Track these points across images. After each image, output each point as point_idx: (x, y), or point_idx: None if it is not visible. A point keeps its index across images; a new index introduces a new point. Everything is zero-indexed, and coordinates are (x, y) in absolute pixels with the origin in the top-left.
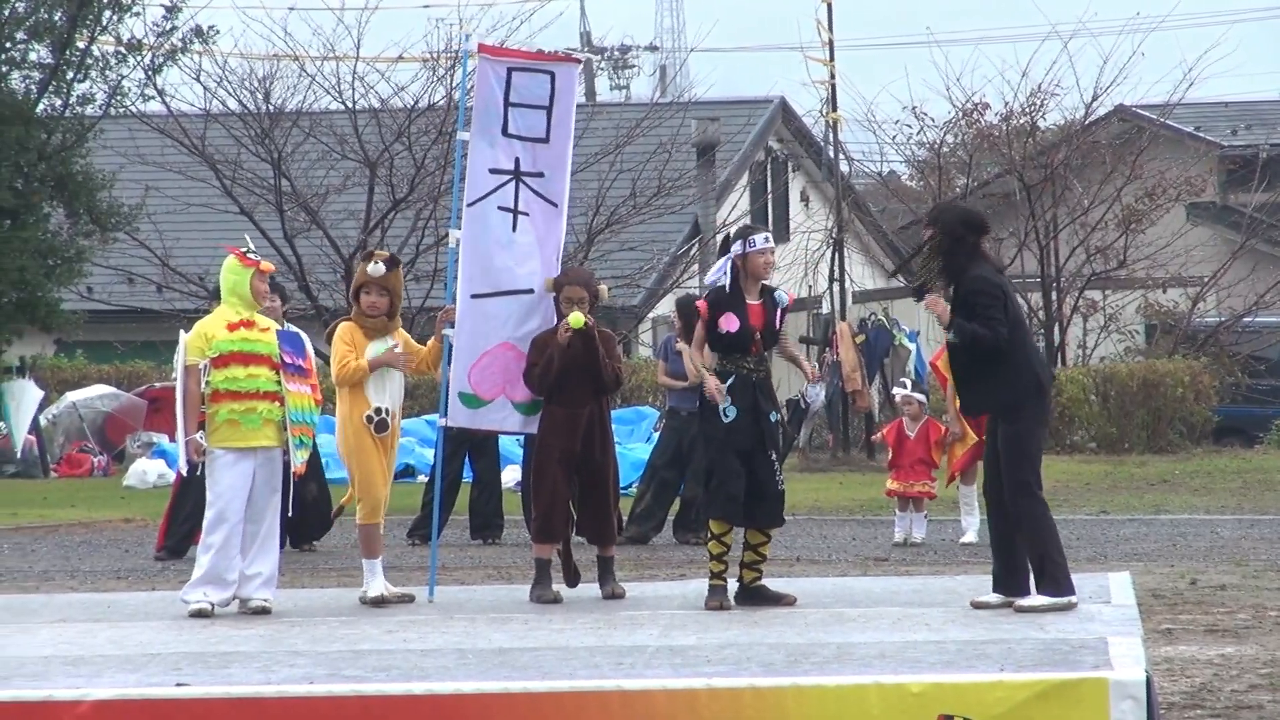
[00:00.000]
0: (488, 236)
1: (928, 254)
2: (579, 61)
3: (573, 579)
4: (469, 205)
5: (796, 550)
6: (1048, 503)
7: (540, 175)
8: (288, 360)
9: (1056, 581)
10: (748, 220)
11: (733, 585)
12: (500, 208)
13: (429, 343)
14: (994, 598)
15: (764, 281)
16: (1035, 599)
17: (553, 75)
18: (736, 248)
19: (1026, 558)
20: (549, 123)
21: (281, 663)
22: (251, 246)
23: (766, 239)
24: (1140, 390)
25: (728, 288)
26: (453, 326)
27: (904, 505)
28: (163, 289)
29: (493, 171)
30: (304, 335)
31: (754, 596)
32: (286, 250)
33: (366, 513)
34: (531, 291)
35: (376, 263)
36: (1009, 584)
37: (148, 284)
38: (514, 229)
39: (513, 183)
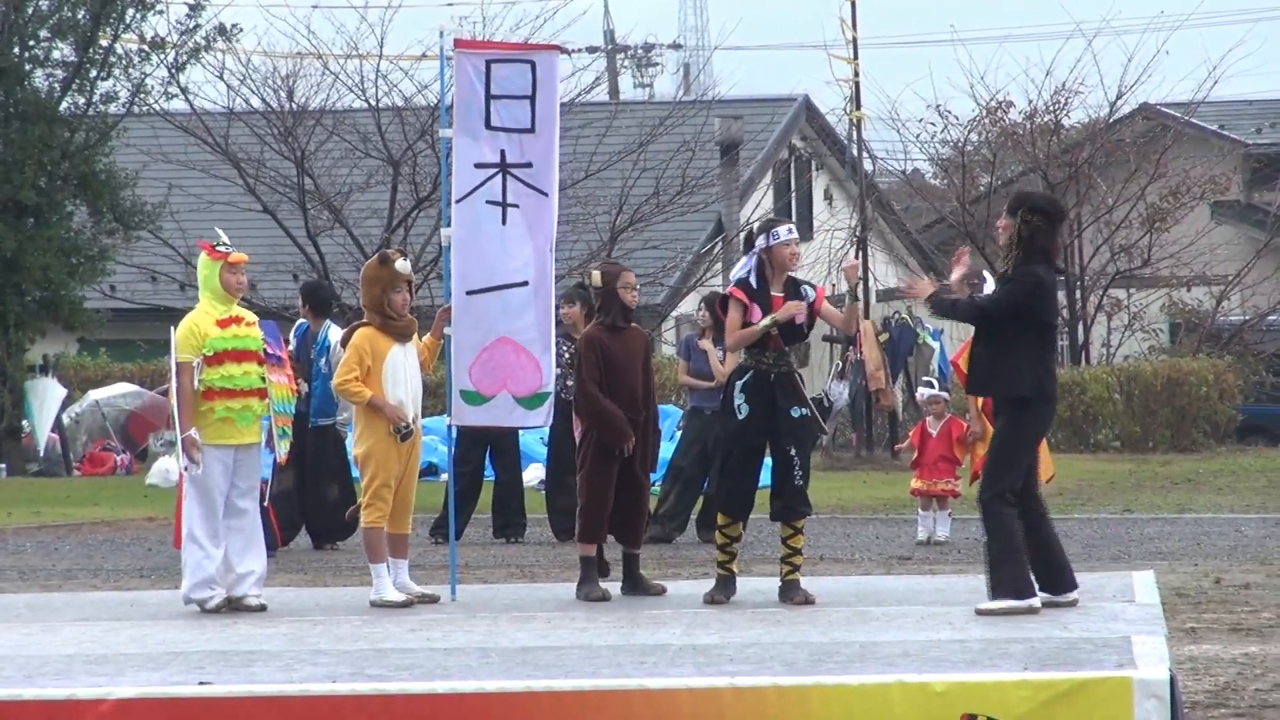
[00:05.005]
0: (478, 231)
1: (1007, 244)
2: (559, 49)
3: (604, 571)
4: (457, 201)
5: (820, 549)
6: (1063, 504)
7: (528, 165)
8: (269, 351)
9: (1018, 588)
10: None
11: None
12: (489, 201)
13: (424, 339)
14: (1041, 597)
15: (790, 274)
16: (997, 603)
17: (533, 65)
18: (761, 241)
19: (1063, 552)
20: (533, 112)
21: (304, 661)
22: (224, 239)
23: (790, 230)
24: (1164, 389)
25: (754, 282)
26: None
27: (927, 504)
28: (186, 287)
29: (478, 166)
30: (276, 324)
31: (783, 592)
32: (310, 248)
33: (373, 517)
34: (526, 284)
35: (404, 260)
36: (1053, 582)
37: (171, 282)
38: (504, 222)
39: (499, 175)
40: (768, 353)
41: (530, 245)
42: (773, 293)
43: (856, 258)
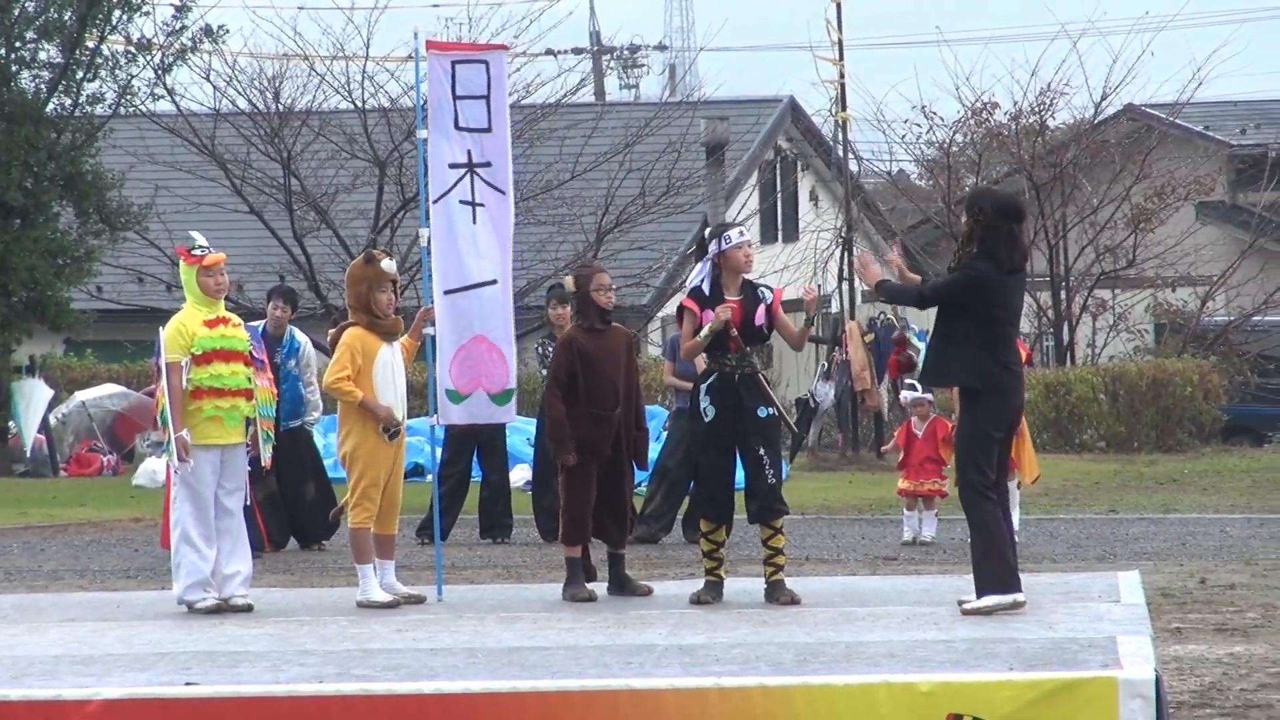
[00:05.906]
0: (453, 231)
1: (962, 239)
2: (506, 48)
3: (590, 575)
4: (434, 202)
5: (806, 549)
6: (1049, 505)
7: (488, 165)
8: (255, 355)
9: (1005, 580)
10: (756, 220)
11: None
12: (461, 201)
13: (403, 339)
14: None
15: (746, 276)
16: (983, 600)
17: (487, 64)
18: (713, 246)
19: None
20: (489, 111)
21: (291, 662)
22: (200, 242)
23: (741, 233)
24: (1149, 389)
25: (707, 288)
26: (433, 325)
27: (913, 504)
28: (172, 288)
29: (451, 166)
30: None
31: (769, 593)
32: (296, 249)
33: (360, 517)
34: (495, 282)
35: (389, 260)
36: None
37: (157, 283)
38: (474, 221)
39: (468, 175)
40: (729, 355)
41: (497, 244)
42: (727, 297)
43: (842, 259)
